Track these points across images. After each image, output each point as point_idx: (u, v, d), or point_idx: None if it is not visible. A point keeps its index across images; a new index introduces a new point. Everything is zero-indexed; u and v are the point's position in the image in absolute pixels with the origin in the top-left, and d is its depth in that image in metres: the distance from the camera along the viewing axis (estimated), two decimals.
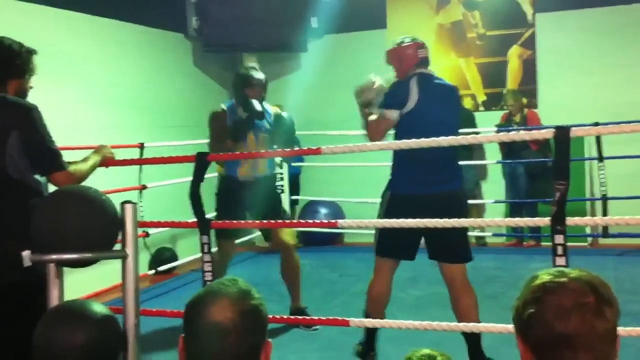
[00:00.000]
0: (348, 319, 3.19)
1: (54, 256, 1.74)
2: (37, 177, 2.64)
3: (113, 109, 6.30)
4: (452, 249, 3.50)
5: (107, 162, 3.24)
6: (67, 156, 2.92)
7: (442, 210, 3.06)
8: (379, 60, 7.62)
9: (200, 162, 3.25)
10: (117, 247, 1.84)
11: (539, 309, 1.23)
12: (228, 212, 4.40)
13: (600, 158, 6.35)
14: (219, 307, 1.34)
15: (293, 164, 7.60)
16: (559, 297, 1.22)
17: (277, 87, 8.07)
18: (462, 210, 3.40)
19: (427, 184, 3.44)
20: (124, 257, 1.79)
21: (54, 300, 1.79)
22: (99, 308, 1.68)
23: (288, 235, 4.64)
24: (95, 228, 1.78)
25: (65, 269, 1.86)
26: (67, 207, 1.80)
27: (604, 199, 6.36)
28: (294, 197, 7.65)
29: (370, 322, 3.31)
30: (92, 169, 3.00)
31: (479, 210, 7.48)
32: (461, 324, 2.82)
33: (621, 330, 2.58)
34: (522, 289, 1.30)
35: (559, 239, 2.57)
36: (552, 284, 1.25)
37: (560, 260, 2.54)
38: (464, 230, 3.57)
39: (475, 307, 3.51)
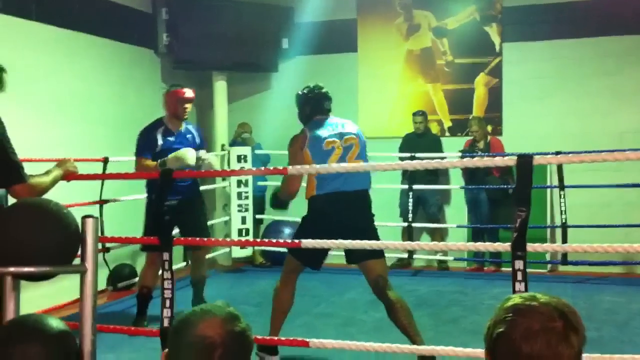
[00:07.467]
0: (308, 339, 3.17)
1: (11, 268, 1.72)
2: None
3: (80, 122, 6.22)
4: None
5: (69, 176, 3.21)
6: (29, 169, 2.88)
7: None
8: (349, 83, 7.79)
9: (165, 179, 3.23)
10: (77, 261, 1.82)
11: (507, 328, 1.28)
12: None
13: (562, 186, 6.45)
14: (209, 323, 1.35)
15: (258, 183, 7.58)
16: (528, 319, 1.27)
17: (246, 106, 8.11)
18: None
19: None
20: (82, 272, 1.76)
21: (9, 314, 1.76)
22: (55, 323, 1.66)
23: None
24: (55, 241, 1.76)
25: (23, 283, 1.83)
26: (26, 219, 1.78)
27: (564, 226, 6.44)
28: (258, 217, 7.62)
29: (330, 343, 3.29)
30: (54, 182, 2.96)
31: (442, 234, 7.54)
32: (421, 346, 2.82)
33: None
34: (496, 310, 1.35)
35: (519, 264, 2.60)
36: (522, 306, 1.30)
37: (520, 286, 2.57)
38: None
39: None
